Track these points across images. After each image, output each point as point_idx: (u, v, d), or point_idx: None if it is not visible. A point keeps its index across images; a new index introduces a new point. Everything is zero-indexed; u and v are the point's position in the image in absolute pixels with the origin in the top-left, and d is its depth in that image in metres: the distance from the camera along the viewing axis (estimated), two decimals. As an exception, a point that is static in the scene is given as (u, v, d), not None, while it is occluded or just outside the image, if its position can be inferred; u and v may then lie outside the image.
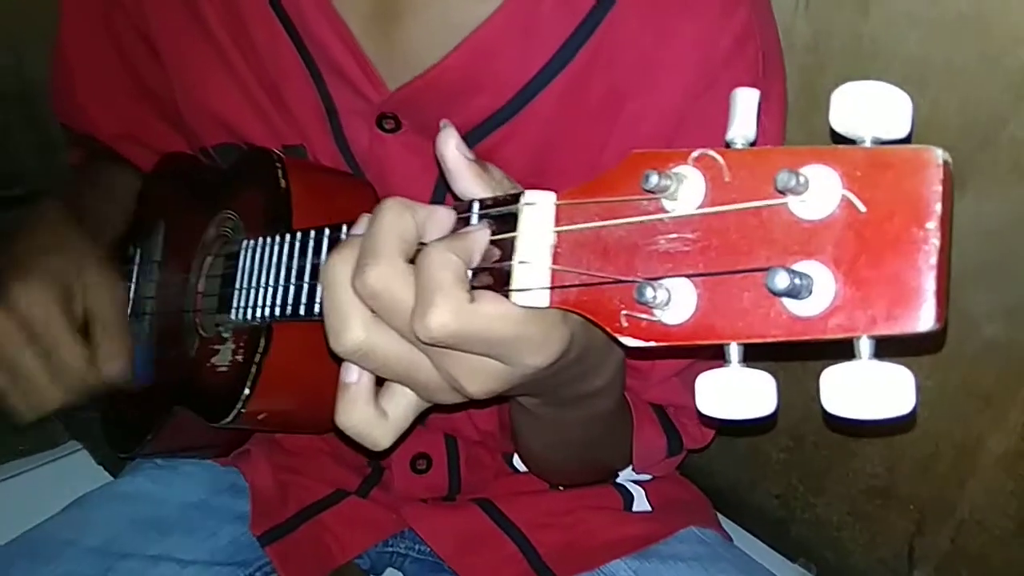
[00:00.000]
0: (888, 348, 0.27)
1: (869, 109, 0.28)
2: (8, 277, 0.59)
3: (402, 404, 0.40)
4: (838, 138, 0.29)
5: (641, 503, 0.72)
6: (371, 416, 0.39)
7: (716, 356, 0.30)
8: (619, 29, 0.53)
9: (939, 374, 0.71)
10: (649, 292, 0.30)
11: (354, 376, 0.39)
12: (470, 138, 0.57)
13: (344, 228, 0.45)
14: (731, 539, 0.73)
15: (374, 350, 0.37)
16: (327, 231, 0.47)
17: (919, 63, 0.64)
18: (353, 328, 0.36)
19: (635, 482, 0.73)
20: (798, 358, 0.69)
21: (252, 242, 0.55)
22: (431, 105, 0.57)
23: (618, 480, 0.73)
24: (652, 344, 0.32)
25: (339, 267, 0.37)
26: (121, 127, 0.75)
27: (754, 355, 0.30)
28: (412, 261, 0.36)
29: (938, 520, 0.77)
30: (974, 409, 0.70)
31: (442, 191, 0.60)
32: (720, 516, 0.77)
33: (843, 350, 0.28)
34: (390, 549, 0.77)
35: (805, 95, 0.70)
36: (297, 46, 0.59)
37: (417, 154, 0.59)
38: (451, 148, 0.39)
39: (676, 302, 0.30)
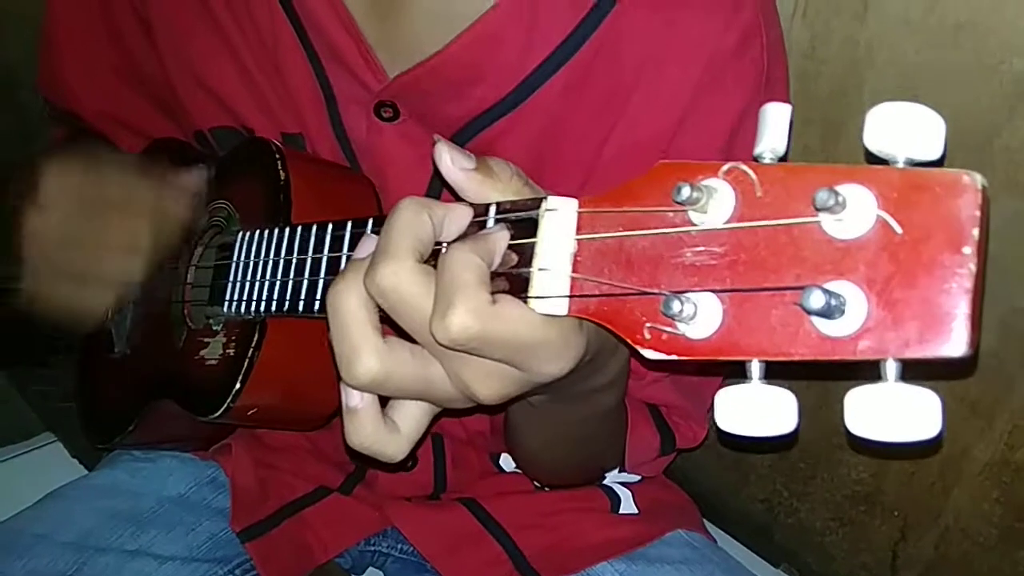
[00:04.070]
0: (914, 371, 0.27)
1: (904, 130, 0.28)
2: None
3: (414, 415, 0.39)
4: (871, 157, 0.29)
5: (628, 505, 0.71)
6: (382, 433, 0.38)
7: (709, 369, 0.30)
8: (625, 23, 0.53)
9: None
10: (676, 305, 0.30)
11: (356, 400, 0.37)
12: (469, 129, 0.56)
13: (348, 225, 0.44)
14: (716, 543, 0.73)
15: (389, 378, 0.35)
16: (330, 227, 0.45)
17: (915, 71, 0.64)
18: (365, 359, 0.35)
19: (622, 484, 0.72)
20: (817, 377, 0.69)
21: (248, 234, 0.53)
22: (430, 94, 0.55)
23: (605, 482, 0.72)
24: (674, 357, 0.31)
25: (344, 294, 0.36)
26: (105, 105, 0.73)
27: (771, 373, 0.30)
28: (426, 262, 0.35)
29: (922, 527, 0.78)
30: (960, 418, 0.70)
31: (438, 183, 0.59)
32: (704, 521, 0.77)
33: (864, 370, 0.27)
34: (372, 548, 0.76)
35: (801, 100, 0.69)
36: (296, 29, 0.58)
37: (414, 145, 0.58)
38: (446, 164, 0.37)
39: (701, 316, 0.30)
